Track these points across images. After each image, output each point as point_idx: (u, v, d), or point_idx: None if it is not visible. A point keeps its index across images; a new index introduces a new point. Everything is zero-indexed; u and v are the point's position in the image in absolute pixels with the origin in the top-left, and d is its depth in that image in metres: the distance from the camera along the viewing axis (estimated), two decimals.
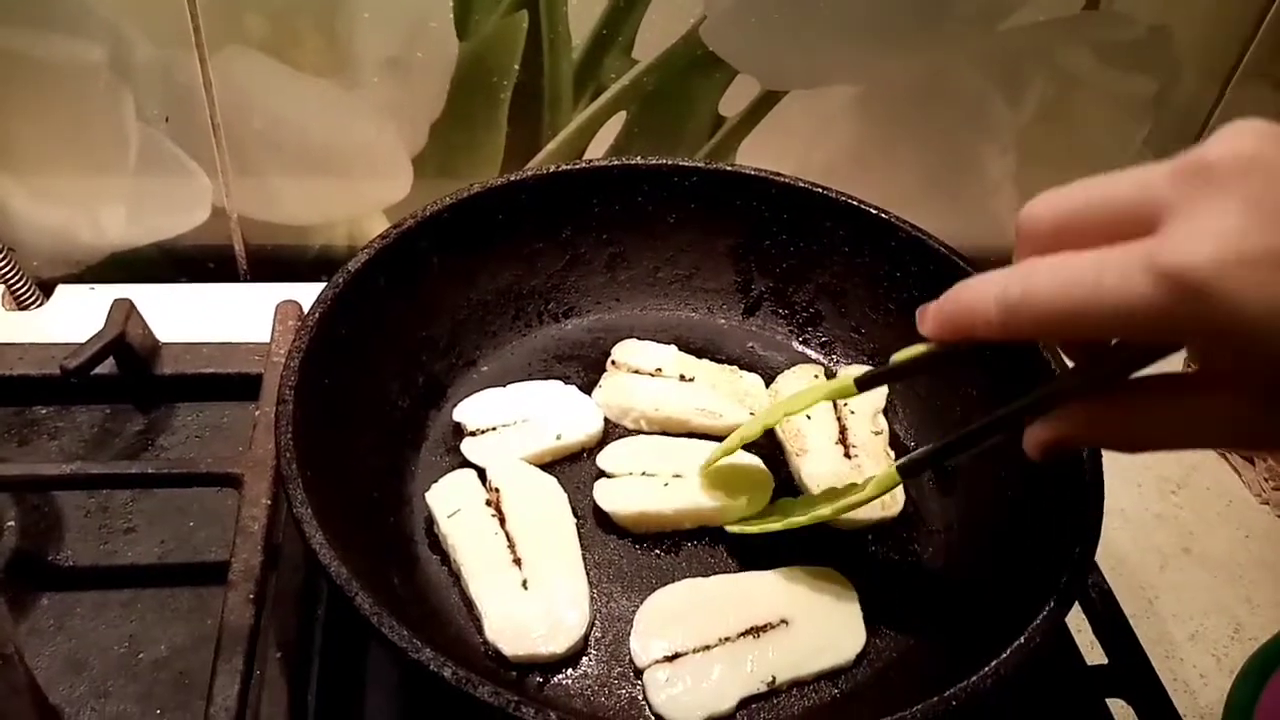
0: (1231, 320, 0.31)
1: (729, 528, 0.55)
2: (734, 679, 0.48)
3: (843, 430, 0.60)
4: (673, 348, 0.65)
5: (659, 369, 0.63)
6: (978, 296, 0.37)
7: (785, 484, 0.59)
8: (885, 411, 0.63)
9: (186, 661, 0.54)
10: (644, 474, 0.57)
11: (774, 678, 0.49)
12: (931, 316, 0.40)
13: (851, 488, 0.52)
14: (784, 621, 0.50)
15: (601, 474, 0.58)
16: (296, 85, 0.73)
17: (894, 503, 0.57)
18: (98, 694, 0.52)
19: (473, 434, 0.59)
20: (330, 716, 0.49)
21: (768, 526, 0.54)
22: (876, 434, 0.61)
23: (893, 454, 0.60)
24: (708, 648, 0.49)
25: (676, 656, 0.49)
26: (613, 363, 0.64)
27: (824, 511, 0.51)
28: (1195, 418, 0.37)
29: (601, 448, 0.59)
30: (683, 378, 0.63)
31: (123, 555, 0.59)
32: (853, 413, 0.61)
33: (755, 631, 0.50)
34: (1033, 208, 0.37)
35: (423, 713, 0.51)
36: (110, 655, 0.54)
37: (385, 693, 0.52)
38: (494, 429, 0.59)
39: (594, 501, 0.56)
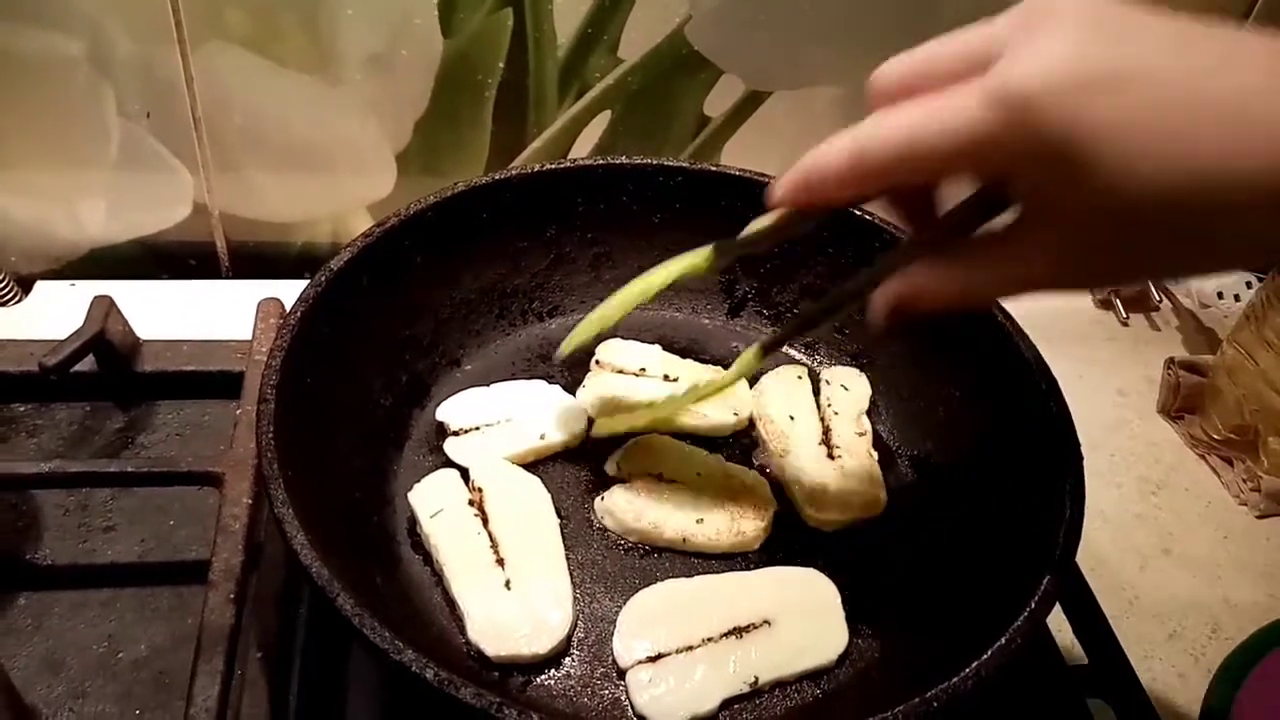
0: (1061, 141, 0.33)
1: (595, 431, 0.59)
2: (716, 679, 0.48)
3: (826, 431, 0.61)
4: (657, 347, 0.65)
5: (643, 369, 0.63)
6: (827, 152, 0.39)
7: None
8: (869, 412, 0.63)
9: (166, 661, 0.54)
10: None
11: (756, 678, 0.49)
12: (783, 182, 0.41)
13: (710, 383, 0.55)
14: (766, 622, 0.50)
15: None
16: (279, 81, 0.72)
17: (876, 503, 0.57)
18: (76, 694, 0.52)
19: (456, 433, 0.59)
20: (311, 717, 0.49)
21: (634, 423, 0.57)
22: (860, 435, 0.61)
23: (876, 454, 0.60)
24: (690, 648, 0.49)
25: (659, 657, 0.49)
26: (597, 362, 0.64)
27: (684, 397, 0.54)
28: (1020, 260, 0.38)
29: (585, 447, 0.59)
30: (666, 377, 0.63)
31: (102, 554, 0.58)
32: (836, 414, 0.62)
33: (738, 632, 0.50)
34: (883, 66, 0.38)
35: (405, 714, 0.51)
36: (89, 655, 0.54)
37: (367, 693, 0.51)
38: (477, 428, 0.59)
39: (580, 503, 0.56)
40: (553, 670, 0.50)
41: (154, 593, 0.57)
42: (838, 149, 0.38)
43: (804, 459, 0.59)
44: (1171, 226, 0.34)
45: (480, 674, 0.49)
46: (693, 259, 0.49)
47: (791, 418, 0.61)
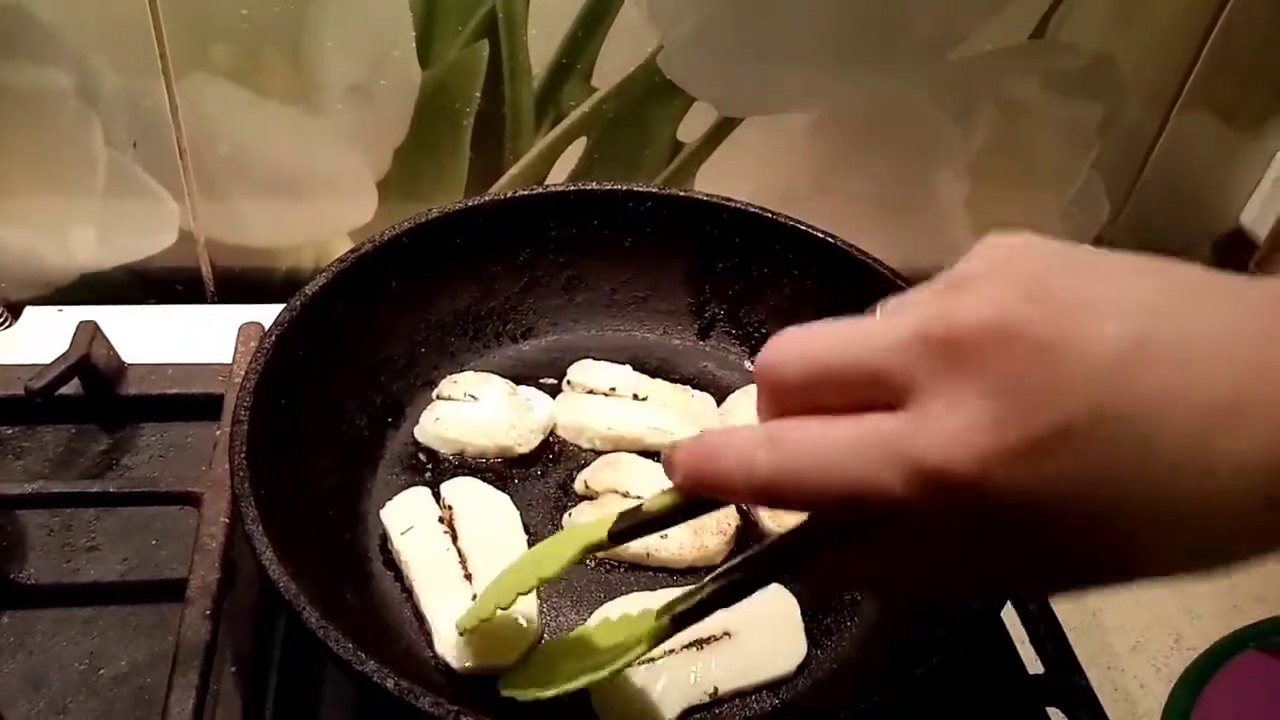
0: (990, 514, 0.28)
1: (503, 691, 0.48)
2: (677, 690, 0.50)
3: None
4: (627, 367, 0.67)
5: (613, 388, 0.65)
6: (728, 465, 0.33)
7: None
8: None
9: (146, 678, 0.55)
10: None
11: (716, 688, 0.50)
12: (680, 468, 0.36)
13: (624, 643, 0.44)
14: (726, 634, 0.52)
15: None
16: (262, 111, 0.74)
17: None
18: (57, 710, 0.53)
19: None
20: None
21: (542, 693, 0.46)
22: None
23: None
24: (652, 660, 0.51)
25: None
26: (568, 383, 0.65)
27: (600, 676, 0.44)
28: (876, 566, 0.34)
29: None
30: (636, 397, 0.64)
31: (85, 573, 0.60)
32: None
33: (699, 644, 0.51)
34: (776, 359, 0.33)
35: None
36: (70, 672, 0.55)
37: (342, 709, 0.53)
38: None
39: (547, 519, 0.58)
40: None
41: (135, 611, 0.58)
42: (741, 471, 0.33)
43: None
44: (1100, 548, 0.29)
45: (447, 686, 0.50)
46: (594, 536, 0.42)
47: None
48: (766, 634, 0.52)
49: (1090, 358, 0.27)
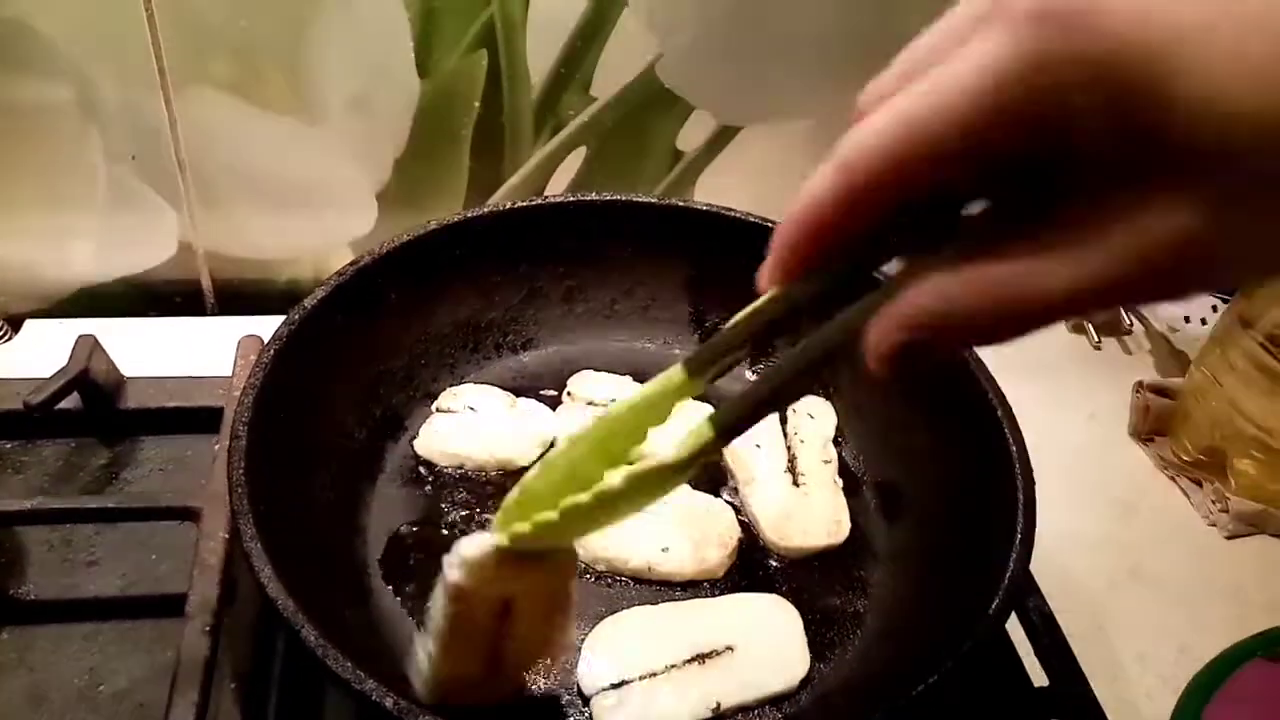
0: (1135, 49, 0.22)
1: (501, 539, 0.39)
2: (680, 705, 0.49)
3: (791, 459, 0.62)
4: (627, 378, 0.66)
5: (613, 400, 0.64)
6: (808, 184, 0.29)
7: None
8: (835, 440, 0.64)
9: (147, 693, 0.54)
10: None
11: (719, 704, 0.50)
12: (770, 253, 0.31)
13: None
14: (729, 648, 0.52)
15: None
16: (261, 123, 0.74)
17: (840, 530, 0.59)
18: None
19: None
20: None
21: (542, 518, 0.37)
22: (826, 463, 0.62)
23: (841, 482, 0.62)
24: (654, 674, 0.50)
25: (624, 683, 0.50)
26: (568, 394, 0.65)
27: (614, 482, 0.35)
28: (1083, 256, 0.25)
29: None
30: None
31: (85, 588, 0.59)
32: (802, 442, 0.63)
33: (701, 658, 0.51)
34: (867, 88, 0.30)
35: None
36: (70, 688, 0.54)
37: None
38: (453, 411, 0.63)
39: None
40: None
41: (135, 626, 0.57)
42: (819, 172, 0.29)
43: (768, 487, 0.60)
44: None
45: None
46: (662, 386, 0.37)
47: (757, 446, 0.62)
48: (769, 649, 0.52)
49: None
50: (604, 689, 0.50)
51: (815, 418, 0.64)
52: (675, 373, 0.36)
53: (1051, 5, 0.23)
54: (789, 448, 0.63)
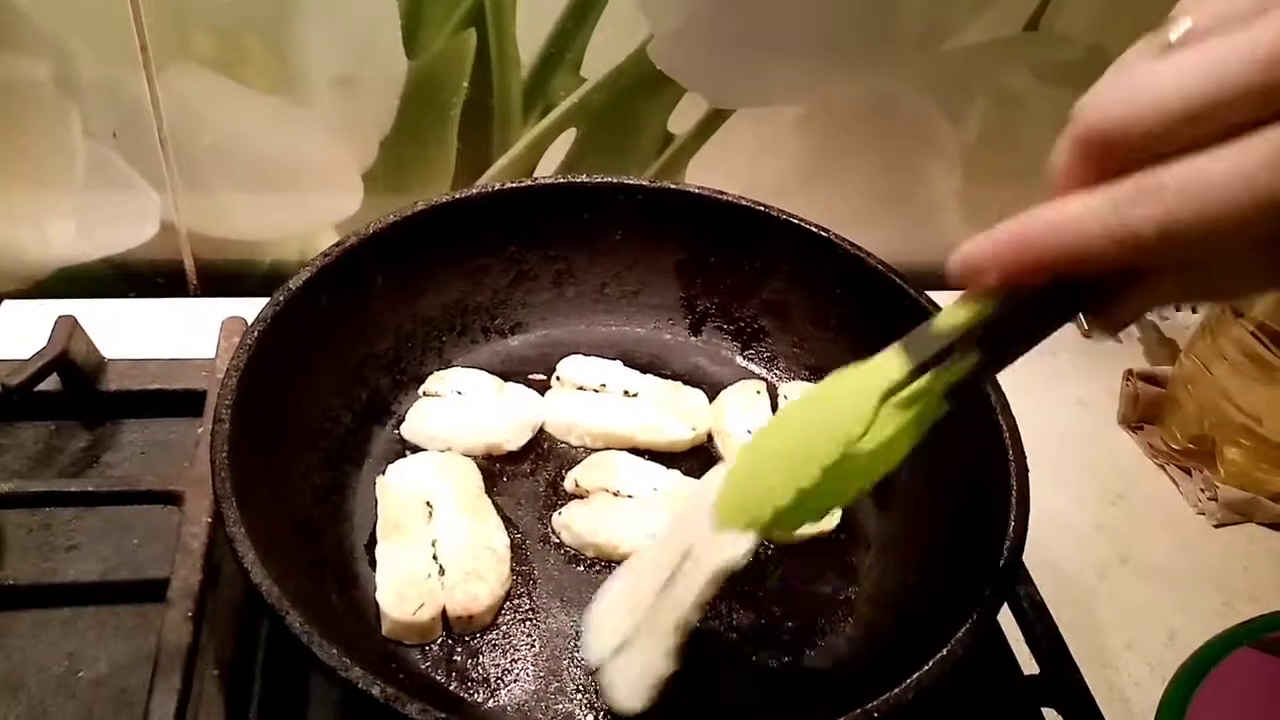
0: None
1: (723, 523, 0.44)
2: (659, 640, 0.48)
3: None
4: (617, 363, 0.66)
5: (603, 385, 0.64)
6: (1086, 232, 0.30)
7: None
8: None
9: (127, 680, 0.54)
10: None
11: (685, 620, 0.49)
12: (1000, 257, 0.32)
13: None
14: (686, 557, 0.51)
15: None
16: (245, 102, 0.73)
17: (831, 516, 0.58)
18: (36, 714, 0.52)
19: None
20: None
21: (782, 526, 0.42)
22: None
23: None
24: (637, 626, 0.50)
25: (623, 645, 0.49)
26: (557, 379, 0.65)
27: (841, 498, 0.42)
28: None
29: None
30: (626, 393, 0.63)
31: (64, 573, 0.58)
32: None
33: (669, 583, 0.50)
34: (1123, 115, 0.29)
35: None
36: (49, 674, 0.54)
37: (328, 711, 0.52)
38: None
39: (538, 518, 0.57)
40: (510, 687, 0.50)
41: (116, 611, 0.57)
42: (1109, 235, 0.29)
43: None
44: None
45: (436, 688, 0.49)
46: (884, 374, 0.38)
47: (749, 432, 0.61)
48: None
49: None
50: (609, 657, 0.49)
51: None
52: (900, 375, 0.37)
53: None
54: None
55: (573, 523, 0.56)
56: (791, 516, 0.41)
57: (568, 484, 0.59)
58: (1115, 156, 0.29)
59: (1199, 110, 0.28)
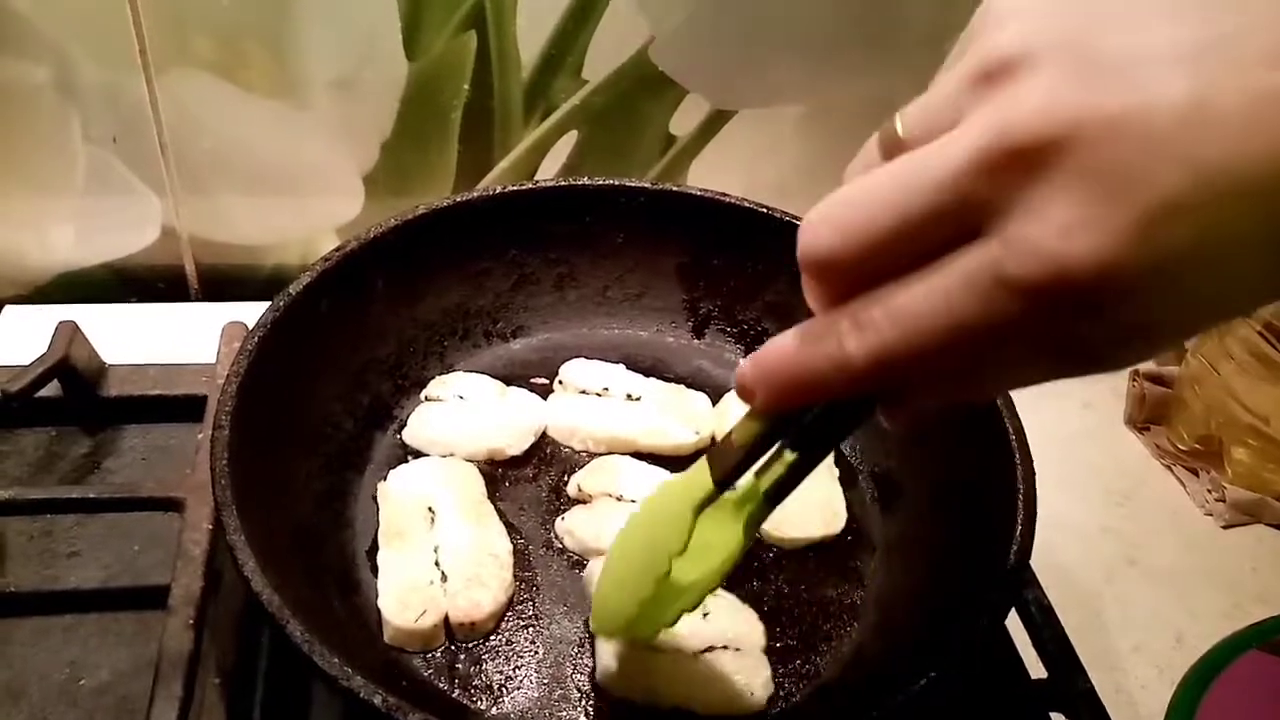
0: (1107, 299, 0.26)
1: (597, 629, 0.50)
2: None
3: None
4: (620, 367, 0.65)
5: (606, 389, 0.63)
6: (816, 367, 0.32)
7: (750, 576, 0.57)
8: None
9: (128, 687, 0.53)
10: None
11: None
12: (759, 389, 0.34)
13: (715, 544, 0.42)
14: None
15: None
16: (245, 106, 0.73)
17: (835, 520, 0.58)
18: None
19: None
20: None
21: (638, 632, 0.46)
22: None
23: (837, 472, 0.61)
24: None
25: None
26: (560, 383, 0.64)
27: (685, 604, 0.43)
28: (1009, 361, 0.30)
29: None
30: (629, 397, 0.63)
31: (65, 580, 0.58)
32: None
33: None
34: (820, 245, 0.31)
35: None
36: (50, 682, 0.53)
37: (331, 718, 0.52)
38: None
39: (541, 523, 0.57)
40: (514, 694, 0.50)
41: (117, 618, 0.56)
42: (834, 367, 0.31)
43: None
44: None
45: (439, 696, 0.49)
46: (693, 489, 0.41)
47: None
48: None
49: (1161, 123, 0.25)
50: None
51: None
52: (708, 489, 0.40)
53: (1059, 280, 0.26)
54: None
55: (576, 528, 0.56)
56: (643, 625, 0.44)
57: (570, 489, 0.59)
58: (842, 280, 0.31)
59: (896, 237, 0.29)
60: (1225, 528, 0.72)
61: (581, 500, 0.58)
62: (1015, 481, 0.50)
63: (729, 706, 0.49)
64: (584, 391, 0.63)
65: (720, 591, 0.52)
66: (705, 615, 0.50)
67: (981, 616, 0.45)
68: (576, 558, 0.56)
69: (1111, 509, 0.73)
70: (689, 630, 0.49)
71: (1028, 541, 0.48)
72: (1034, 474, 0.50)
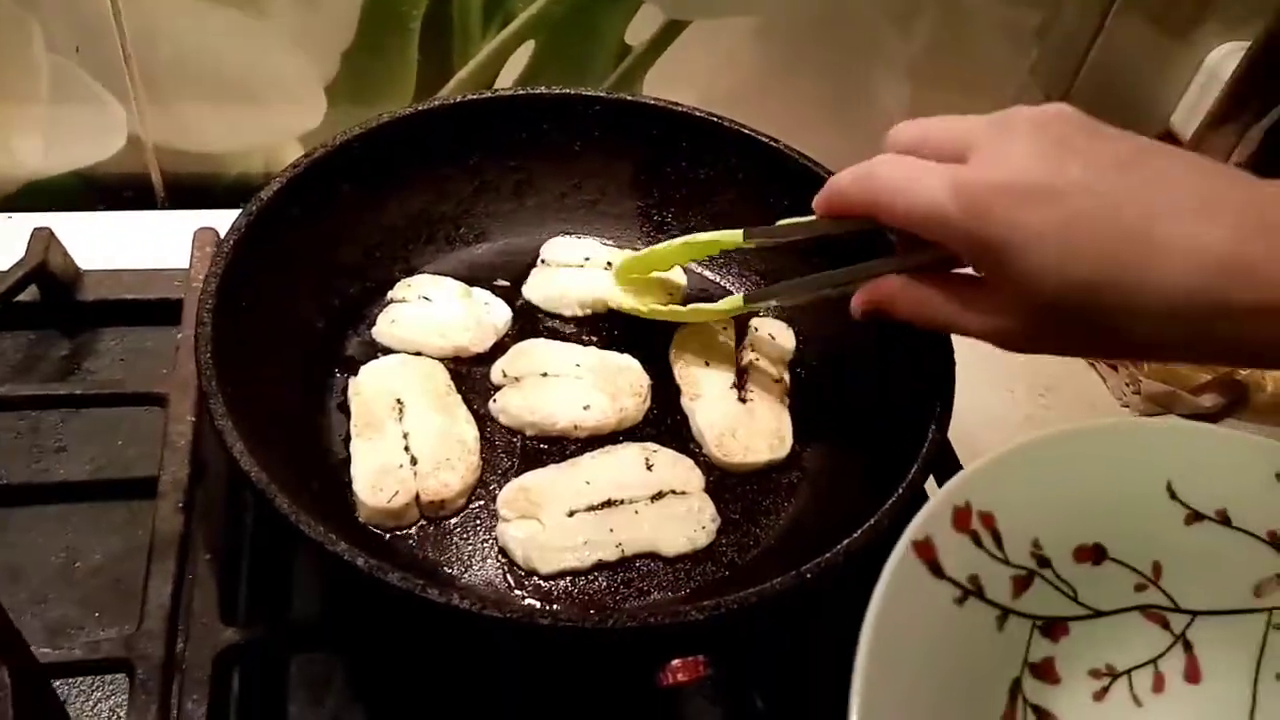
0: (999, 239, 0.42)
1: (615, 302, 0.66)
2: (586, 540, 0.55)
3: (741, 376, 0.64)
4: (596, 240, 0.70)
5: (587, 259, 0.68)
6: (842, 174, 0.50)
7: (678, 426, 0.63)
8: (792, 367, 0.66)
9: (122, 569, 0.57)
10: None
11: (622, 546, 0.55)
12: (821, 195, 0.52)
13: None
14: (633, 501, 0.57)
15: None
16: (207, 14, 0.74)
17: (782, 445, 0.61)
18: (37, 600, 0.56)
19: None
20: (259, 612, 0.53)
21: (639, 308, 0.65)
22: (776, 382, 0.64)
23: (788, 401, 0.64)
24: (571, 513, 0.55)
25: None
26: (543, 261, 0.69)
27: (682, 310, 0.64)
28: (967, 309, 0.48)
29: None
30: (609, 265, 0.68)
31: (55, 473, 0.61)
32: (756, 360, 0.65)
33: (609, 504, 0.56)
34: (897, 130, 0.50)
35: (344, 602, 0.55)
36: (48, 565, 0.57)
37: (312, 590, 0.56)
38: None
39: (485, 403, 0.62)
40: (483, 563, 0.55)
41: (107, 508, 0.60)
42: (850, 172, 0.50)
43: (715, 403, 0.62)
44: (1089, 321, 0.43)
45: (415, 565, 0.53)
46: (728, 236, 0.59)
47: (706, 364, 0.65)
48: (677, 508, 0.57)
49: (1103, 147, 0.43)
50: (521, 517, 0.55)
51: (775, 338, 0.67)
52: (736, 240, 0.59)
53: (965, 189, 0.44)
54: (740, 364, 0.65)
55: (509, 407, 0.60)
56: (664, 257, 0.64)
57: (494, 375, 0.63)
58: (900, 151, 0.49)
59: (919, 141, 0.49)
60: (1139, 416, 0.78)
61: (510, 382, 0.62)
62: (937, 367, 0.54)
63: (688, 544, 0.56)
64: (566, 265, 0.68)
65: (659, 448, 0.60)
66: (650, 468, 0.59)
67: (906, 488, 0.50)
68: (512, 430, 0.61)
69: (1034, 399, 0.79)
70: (640, 481, 0.57)
71: (945, 418, 0.53)
72: (953, 359, 0.55)
